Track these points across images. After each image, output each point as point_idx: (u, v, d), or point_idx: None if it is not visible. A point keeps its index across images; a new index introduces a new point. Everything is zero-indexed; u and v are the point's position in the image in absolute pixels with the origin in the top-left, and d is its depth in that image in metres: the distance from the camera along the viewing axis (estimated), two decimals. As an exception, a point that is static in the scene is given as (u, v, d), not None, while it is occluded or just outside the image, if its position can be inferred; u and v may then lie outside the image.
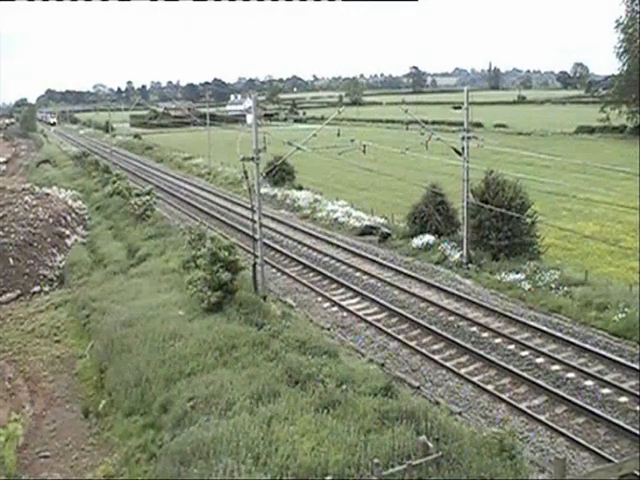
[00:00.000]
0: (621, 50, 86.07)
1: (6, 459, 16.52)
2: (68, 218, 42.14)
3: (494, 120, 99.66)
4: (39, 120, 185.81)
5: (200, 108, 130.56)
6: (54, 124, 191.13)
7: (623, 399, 17.39)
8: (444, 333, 22.14)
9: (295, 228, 39.72)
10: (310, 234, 37.89)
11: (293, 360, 17.79)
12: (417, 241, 32.49)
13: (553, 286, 25.19)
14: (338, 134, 27.64)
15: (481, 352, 20.53)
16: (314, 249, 34.42)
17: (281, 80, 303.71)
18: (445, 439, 13.36)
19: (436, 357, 20.46)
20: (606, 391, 17.87)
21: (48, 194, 47.33)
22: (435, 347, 21.40)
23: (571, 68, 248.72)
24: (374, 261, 31.48)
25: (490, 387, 18.45)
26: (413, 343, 21.62)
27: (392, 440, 13.34)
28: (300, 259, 32.56)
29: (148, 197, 42.57)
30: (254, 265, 25.51)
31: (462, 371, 19.47)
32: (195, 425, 14.81)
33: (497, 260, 28.38)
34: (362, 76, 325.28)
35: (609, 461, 14.13)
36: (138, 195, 43.19)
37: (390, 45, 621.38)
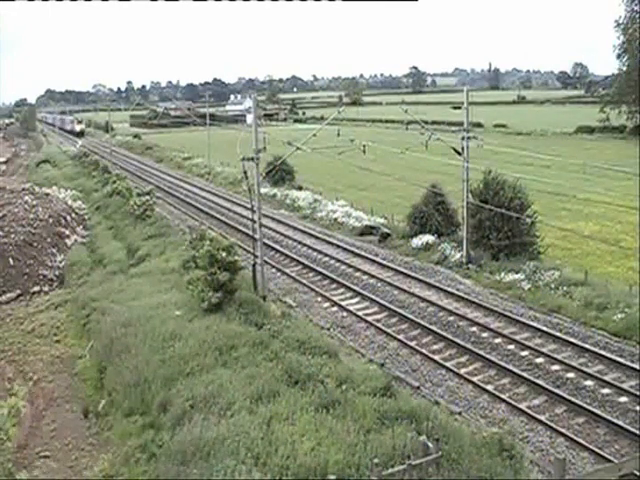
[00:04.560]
0: (621, 50, 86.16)
1: (9, 432, 16.61)
2: (68, 218, 42.12)
3: (494, 120, 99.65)
4: (39, 120, 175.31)
5: (200, 108, 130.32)
6: (82, 134, 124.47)
7: (623, 399, 17.40)
8: (444, 333, 22.14)
9: (295, 228, 39.71)
10: (310, 234, 37.89)
11: (293, 360, 17.79)
12: (417, 241, 32.49)
13: (553, 286, 25.20)
14: (338, 134, 27.63)
15: (481, 352, 20.53)
16: (314, 249, 34.41)
17: (281, 80, 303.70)
18: (445, 439, 13.35)
19: (436, 357, 20.46)
20: (606, 391, 17.87)
21: (48, 194, 47.30)
22: (435, 347, 21.40)
23: (571, 68, 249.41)
24: (374, 261, 31.47)
25: (490, 387, 18.45)
26: (413, 343, 21.62)
27: (392, 440, 13.33)
28: (300, 259, 32.55)
29: (148, 197, 42.59)
30: (254, 265, 25.51)
31: (462, 371, 19.47)
32: (195, 425, 14.81)
33: (497, 260, 28.38)
34: (362, 76, 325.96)
35: (609, 461, 14.14)
36: (138, 195, 43.22)
37: (390, 45, 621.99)
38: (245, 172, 25.25)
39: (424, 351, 20.89)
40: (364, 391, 16.05)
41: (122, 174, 59.34)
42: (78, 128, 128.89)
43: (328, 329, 23.32)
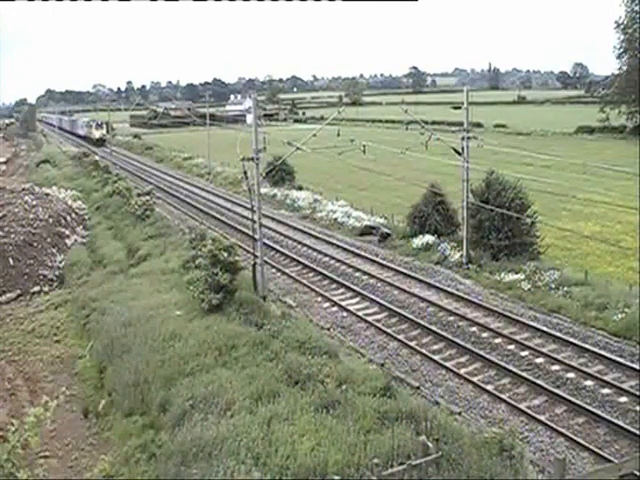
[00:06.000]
0: (621, 50, 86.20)
1: (30, 439, 16.59)
2: (68, 218, 42.14)
3: (494, 120, 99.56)
4: (39, 121, 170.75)
5: (200, 108, 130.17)
6: (102, 141, 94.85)
7: (623, 399, 17.40)
8: (444, 333, 22.14)
9: (295, 228, 39.72)
10: (310, 234, 37.90)
11: (293, 360, 17.80)
12: (417, 241, 32.50)
13: (553, 286, 25.20)
14: (338, 134, 27.59)
15: (481, 352, 20.54)
16: (314, 249, 34.41)
17: (281, 80, 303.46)
18: (445, 439, 13.36)
19: (436, 357, 20.46)
20: (606, 391, 17.88)
21: (48, 194, 47.34)
22: (435, 347, 21.41)
23: (571, 68, 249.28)
24: (374, 261, 31.47)
25: (490, 387, 18.46)
26: (413, 343, 21.62)
27: (392, 440, 13.34)
28: (300, 259, 32.56)
29: (148, 197, 42.61)
30: (254, 265, 25.51)
31: (462, 371, 19.48)
32: (195, 425, 14.82)
33: (497, 260, 28.39)
34: (362, 76, 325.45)
35: (609, 461, 14.14)
36: (138, 195, 43.23)
37: (390, 45, 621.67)
38: (245, 172, 25.26)
39: (424, 351, 20.90)
40: (364, 391, 16.06)
41: (122, 174, 59.41)
42: (97, 134, 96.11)
43: (328, 329, 23.32)
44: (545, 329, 21.98)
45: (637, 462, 10.91)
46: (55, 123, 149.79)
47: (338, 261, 31.84)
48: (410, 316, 23.84)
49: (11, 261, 32.72)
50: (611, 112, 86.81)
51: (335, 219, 40.45)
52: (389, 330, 22.78)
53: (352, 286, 27.72)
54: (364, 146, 27.53)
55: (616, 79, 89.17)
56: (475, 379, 18.93)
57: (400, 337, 22.13)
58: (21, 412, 19.08)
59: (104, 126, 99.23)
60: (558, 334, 21.56)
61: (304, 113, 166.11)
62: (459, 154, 28.71)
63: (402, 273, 29.24)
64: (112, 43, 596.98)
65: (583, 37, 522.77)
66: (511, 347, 21.01)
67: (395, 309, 24.67)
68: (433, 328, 22.63)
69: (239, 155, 24.62)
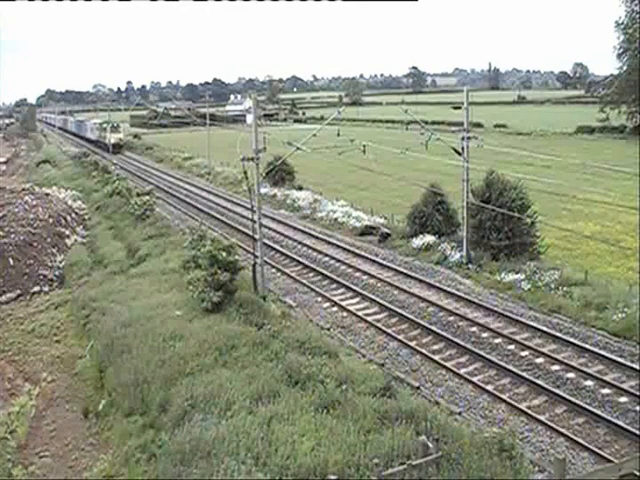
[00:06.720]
0: (621, 50, 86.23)
1: (18, 429, 16.68)
2: (68, 218, 42.15)
3: (494, 120, 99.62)
4: (39, 121, 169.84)
5: (200, 108, 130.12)
6: (118, 148, 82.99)
7: (623, 399, 17.39)
8: (444, 333, 22.14)
9: (295, 228, 39.71)
10: (310, 234, 37.89)
11: (293, 360, 17.79)
12: (417, 241, 32.49)
13: (553, 286, 25.19)
14: (338, 134, 27.60)
15: (481, 352, 20.53)
16: (314, 249, 34.41)
17: (281, 80, 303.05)
18: (445, 439, 13.35)
19: (436, 357, 20.46)
20: (606, 391, 17.87)
21: (48, 194, 47.37)
22: (435, 347, 21.40)
23: (571, 68, 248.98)
24: (374, 261, 31.47)
25: (490, 387, 18.45)
26: (413, 343, 21.62)
27: (392, 440, 13.33)
28: (300, 259, 32.56)
29: (148, 197, 42.62)
30: (254, 265, 25.52)
31: (462, 371, 19.47)
32: (195, 425, 14.82)
33: (497, 260, 28.38)
34: (362, 76, 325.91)
35: (609, 461, 14.13)
36: (138, 195, 43.24)
37: (390, 45, 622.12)
38: (245, 172, 25.29)
39: (424, 351, 20.89)
40: (364, 391, 16.06)
41: (122, 174, 59.37)
42: (113, 139, 79.95)
43: (328, 329, 23.32)
44: (545, 329, 21.97)
45: (637, 462, 10.90)
46: (57, 124, 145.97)
47: (338, 261, 31.84)
48: (410, 316, 23.84)
49: (11, 261, 32.72)
50: (611, 112, 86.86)
51: (335, 219, 40.44)
52: (389, 330, 22.77)
53: (352, 286, 27.72)
54: (364, 146, 27.54)
55: (616, 79, 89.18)
56: (475, 379, 18.93)
57: (400, 337, 22.12)
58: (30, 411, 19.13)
59: (121, 129, 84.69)
60: (558, 334, 21.56)
61: (304, 113, 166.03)
62: (459, 154, 28.72)
63: (402, 273, 29.24)
64: (112, 43, 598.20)
65: (583, 37, 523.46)
66: (511, 347, 21.00)
67: (395, 309, 24.67)
68: (433, 328, 22.63)
69: (239, 155, 24.65)
